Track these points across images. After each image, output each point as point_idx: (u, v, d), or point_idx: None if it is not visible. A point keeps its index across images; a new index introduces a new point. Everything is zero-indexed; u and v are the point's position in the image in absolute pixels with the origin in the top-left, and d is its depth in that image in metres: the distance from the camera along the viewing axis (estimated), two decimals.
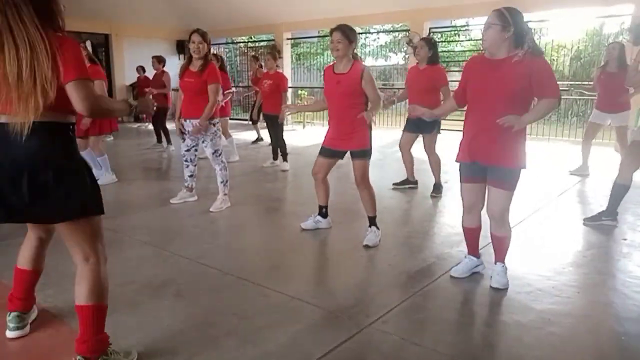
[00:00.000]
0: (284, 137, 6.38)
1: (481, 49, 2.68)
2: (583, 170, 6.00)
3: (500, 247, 2.89)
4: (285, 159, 6.36)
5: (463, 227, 3.00)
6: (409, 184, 5.33)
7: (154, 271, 3.07)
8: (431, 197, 4.95)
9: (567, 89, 10.10)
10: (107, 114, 1.98)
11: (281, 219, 4.18)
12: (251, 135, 9.14)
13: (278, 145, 6.40)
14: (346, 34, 3.37)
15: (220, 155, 4.47)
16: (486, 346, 2.24)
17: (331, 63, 3.62)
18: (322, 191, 3.80)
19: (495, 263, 2.91)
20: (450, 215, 4.44)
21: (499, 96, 2.60)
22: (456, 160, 2.88)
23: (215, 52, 8.02)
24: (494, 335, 2.33)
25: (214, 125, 4.38)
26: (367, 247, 3.50)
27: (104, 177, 5.58)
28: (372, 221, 3.61)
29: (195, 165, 4.66)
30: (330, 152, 3.61)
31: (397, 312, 2.56)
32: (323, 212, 3.87)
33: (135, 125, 11.82)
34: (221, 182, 4.53)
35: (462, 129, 2.86)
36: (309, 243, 3.67)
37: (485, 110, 2.65)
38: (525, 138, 2.77)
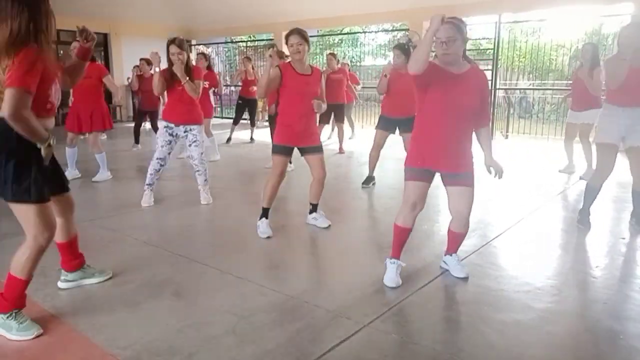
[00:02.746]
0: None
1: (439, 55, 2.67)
2: (570, 169, 6.15)
3: (460, 243, 3.05)
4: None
5: (401, 226, 2.86)
6: (373, 180, 5.47)
7: (153, 270, 3.07)
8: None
9: (566, 88, 10.10)
10: (26, 130, 2.09)
11: (280, 218, 4.17)
12: (247, 134, 9.15)
13: None
14: (305, 37, 3.52)
15: (204, 155, 4.71)
16: (485, 345, 2.25)
17: (285, 62, 3.78)
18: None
19: (452, 255, 3.06)
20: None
21: (465, 111, 2.68)
22: (410, 165, 2.82)
23: (203, 52, 8.00)
24: (493, 334, 2.34)
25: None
26: (329, 226, 3.85)
27: (99, 174, 5.60)
28: (316, 208, 3.98)
29: None
30: (290, 150, 3.73)
31: (396, 311, 2.57)
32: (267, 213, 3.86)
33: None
34: (205, 180, 4.73)
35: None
36: (308, 242, 3.67)
37: (453, 124, 2.70)
38: None
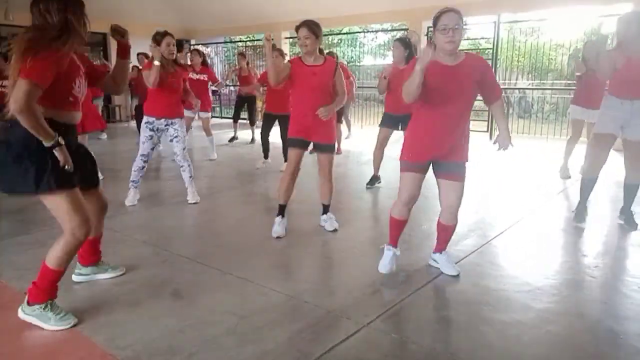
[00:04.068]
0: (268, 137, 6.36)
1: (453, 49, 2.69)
2: (564, 172, 6.01)
3: (449, 237, 3.07)
4: (286, 159, 6.31)
5: (397, 218, 2.92)
6: (378, 180, 5.43)
7: (153, 271, 3.07)
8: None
9: (565, 88, 10.11)
10: (31, 124, 2.10)
11: None
12: (247, 134, 9.14)
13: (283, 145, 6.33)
14: (312, 29, 3.46)
15: (187, 151, 4.70)
16: (485, 345, 2.25)
17: (296, 57, 3.73)
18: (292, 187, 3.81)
19: (441, 252, 3.07)
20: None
21: (460, 102, 2.72)
22: (405, 159, 2.84)
23: (196, 48, 8.00)
24: (493, 334, 2.34)
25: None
26: (335, 231, 3.84)
27: None
28: (328, 208, 3.95)
29: None
30: (302, 142, 3.69)
31: (396, 311, 2.57)
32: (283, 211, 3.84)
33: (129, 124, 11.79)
34: (191, 177, 4.71)
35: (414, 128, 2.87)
36: (308, 242, 3.67)
37: (452, 113, 2.74)
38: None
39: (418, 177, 2.83)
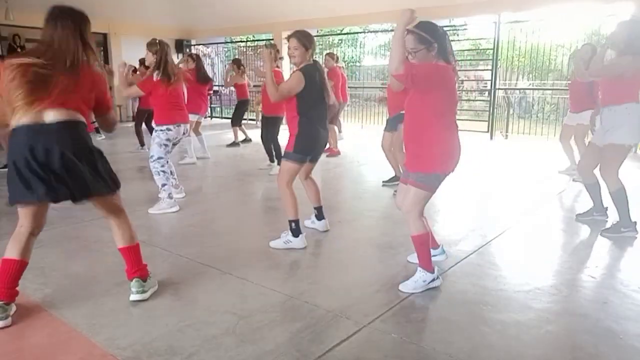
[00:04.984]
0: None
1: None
2: (571, 170, 6.05)
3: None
4: (279, 162, 6.31)
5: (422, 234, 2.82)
6: (398, 179, 5.38)
7: (153, 270, 3.06)
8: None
9: (566, 88, 10.10)
10: None
11: (280, 218, 4.16)
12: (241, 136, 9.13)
13: (274, 148, 6.34)
14: (302, 41, 3.40)
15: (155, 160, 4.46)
16: (485, 345, 2.25)
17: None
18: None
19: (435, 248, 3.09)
20: (449, 214, 4.46)
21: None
22: (442, 172, 2.71)
23: (190, 54, 7.96)
24: (492, 334, 2.34)
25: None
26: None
27: None
28: (321, 211, 3.90)
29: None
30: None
31: (396, 311, 2.57)
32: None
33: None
34: (164, 185, 4.53)
35: (435, 139, 2.68)
36: (308, 242, 3.67)
37: (453, 121, 2.76)
38: None
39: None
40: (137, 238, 2.71)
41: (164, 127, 4.41)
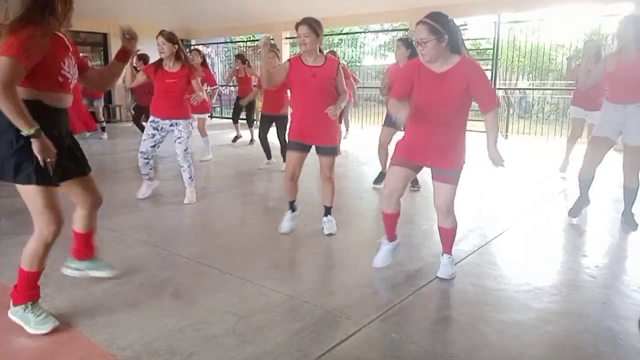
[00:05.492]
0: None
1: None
2: (565, 167, 6.08)
3: (447, 240, 3.00)
4: (285, 159, 6.29)
5: (384, 212, 2.98)
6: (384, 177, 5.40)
7: (153, 270, 3.07)
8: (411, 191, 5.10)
9: (566, 88, 10.09)
10: (10, 107, 1.97)
11: (280, 218, 4.16)
12: (246, 134, 9.12)
13: (280, 144, 6.31)
14: (312, 27, 3.36)
15: (189, 153, 4.70)
16: (485, 345, 2.25)
17: (295, 55, 3.64)
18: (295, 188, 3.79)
19: (443, 254, 3.02)
20: None
21: (446, 109, 2.68)
22: (395, 157, 2.87)
23: (196, 48, 7.99)
24: (492, 334, 2.34)
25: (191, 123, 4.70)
26: (330, 235, 3.74)
27: None
28: (330, 211, 3.86)
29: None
30: (302, 146, 3.60)
31: (396, 311, 2.57)
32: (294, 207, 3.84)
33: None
34: (190, 178, 4.74)
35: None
36: (308, 242, 3.67)
37: (436, 121, 2.70)
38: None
39: (399, 170, 2.82)
40: (32, 266, 2.32)
41: (190, 120, 4.68)
